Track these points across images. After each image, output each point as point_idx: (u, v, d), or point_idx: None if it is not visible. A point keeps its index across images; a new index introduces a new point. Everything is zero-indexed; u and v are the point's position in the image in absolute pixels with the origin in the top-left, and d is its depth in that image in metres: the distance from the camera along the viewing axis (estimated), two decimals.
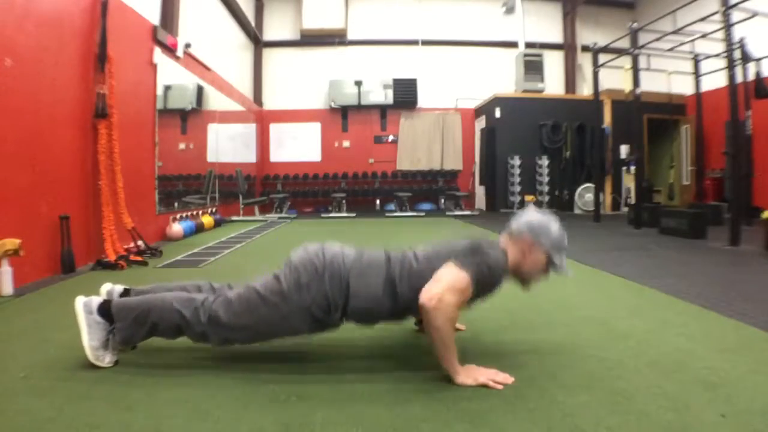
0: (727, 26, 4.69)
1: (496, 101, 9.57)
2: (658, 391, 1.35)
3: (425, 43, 11.03)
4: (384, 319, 1.57)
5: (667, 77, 8.13)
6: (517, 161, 9.44)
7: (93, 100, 3.72)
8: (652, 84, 8.21)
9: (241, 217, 8.01)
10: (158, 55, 5.02)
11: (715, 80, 7.08)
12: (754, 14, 5.43)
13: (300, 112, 10.90)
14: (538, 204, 9.43)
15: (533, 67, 9.88)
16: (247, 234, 5.81)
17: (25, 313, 2.26)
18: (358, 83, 10.66)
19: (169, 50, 5.36)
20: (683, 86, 8.45)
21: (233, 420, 1.20)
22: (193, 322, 1.49)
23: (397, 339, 1.83)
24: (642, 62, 6.54)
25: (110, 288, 1.72)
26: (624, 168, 8.82)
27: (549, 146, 9.49)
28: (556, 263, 1.54)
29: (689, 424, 1.16)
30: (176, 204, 5.78)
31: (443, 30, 11.04)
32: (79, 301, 1.52)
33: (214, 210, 6.85)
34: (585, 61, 10.55)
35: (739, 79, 5.32)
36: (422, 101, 10.83)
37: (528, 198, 9.35)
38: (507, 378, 1.42)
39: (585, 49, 10.35)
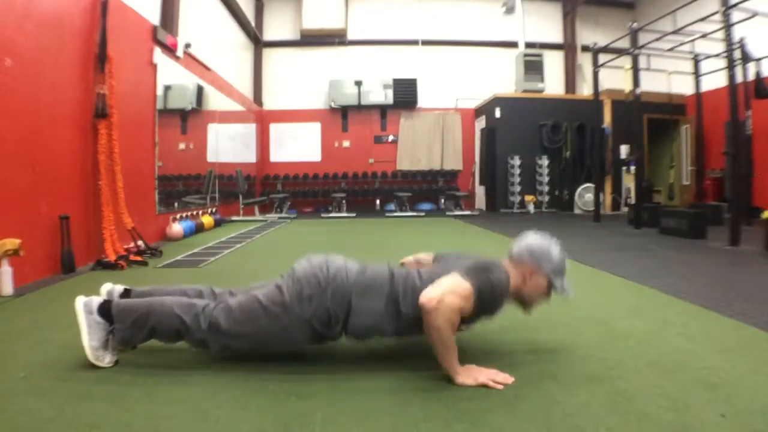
0: (727, 26, 4.69)
1: (496, 101, 9.57)
2: (658, 391, 1.35)
3: (425, 43, 11.03)
4: (387, 336, 1.56)
5: (667, 77, 8.14)
6: (517, 161, 9.44)
7: (93, 100, 3.72)
8: (652, 84, 8.21)
9: (241, 217, 8.01)
10: (158, 55, 5.02)
11: (715, 80, 7.08)
12: (754, 14, 5.43)
13: (300, 112, 10.90)
14: (538, 204, 9.44)
15: (533, 67, 9.88)
16: (247, 234, 5.81)
17: (25, 313, 2.26)
18: (358, 83, 10.67)
19: (169, 50, 5.36)
20: (683, 86, 8.46)
21: (233, 420, 1.20)
22: (194, 328, 1.49)
23: (396, 339, 1.83)
24: (642, 62, 6.54)
25: (110, 288, 1.72)
26: (624, 168, 8.83)
27: (549, 146, 9.50)
28: (558, 287, 1.56)
29: (689, 424, 1.16)
30: (176, 204, 5.78)
31: (443, 30, 11.05)
32: (80, 301, 1.52)
33: (214, 210, 6.85)
34: (585, 61, 10.55)
35: (739, 79, 5.32)
36: (422, 101, 10.83)
37: (528, 198, 9.35)
38: (507, 378, 1.42)
39: (585, 49, 10.35)
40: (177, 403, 1.29)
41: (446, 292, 1.37)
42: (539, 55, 10.03)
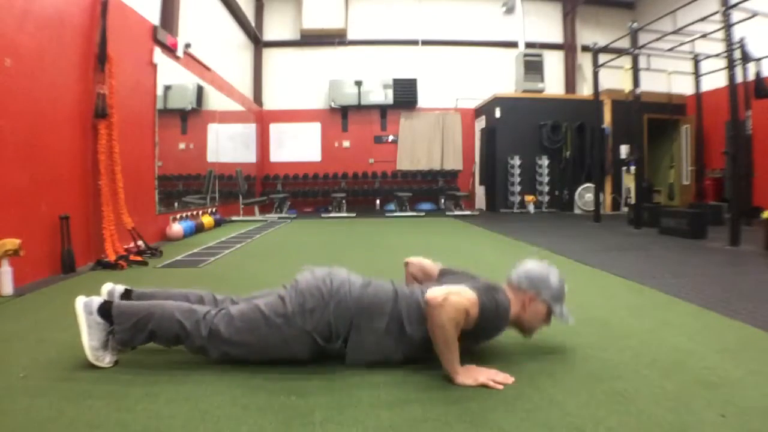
0: (727, 26, 4.70)
1: (496, 101, 9.57)
2: (658, 391, 1.35)
3: (425, 43, 11.03)
4: (394, 361, 1.52)
5: (667, 77, 8.13)
6: (517, 161, 9.44)
7: (93, 100, 3.72)
8: (652, 84, 8.20)
9: (241, 217, 8.01)
10: (158, 55, 5.02)
11: (715, 80, 7.08)
12: (754, 14, 5.43)
13: (300, 112, 10.90)
14: (538, 204, 9.44)
15: (533, 67, 9.89)
16: (247, 234, 5.81)
17: (25, 313, 2.26)
18: (358, 83, 10.67)
19: (169, 50, 5.36)
20: (683, 86, 8.45)
21: (233, 420, 1.20)
22: (194, 335, 1.49)
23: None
24: (642, 62, 6.54)
25: (111, 288, 1.72)
26: (624, 168, 8.82)
27: (549, 146, 9.50)
28: (557, 313, 1.59)
29: (689, 424, 1.16)
30: (176, 204, 5.79)
31: (443, 30, 11.05)
32: (80, 302, 1.51)
33: (214, 210, 6.85)
34: (585, 61, 10.55)
35: (739, 79, 5.32)
36: (422, 101, 10.83)
37: (528, 198, 9.36)
38: (507, 378, 1.42)
39: (585, 49, 10.35)
40: (177, 403, 1.28)
41: (452, 292, 1.39)
42: (539, 55, 10.03)
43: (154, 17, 5.31)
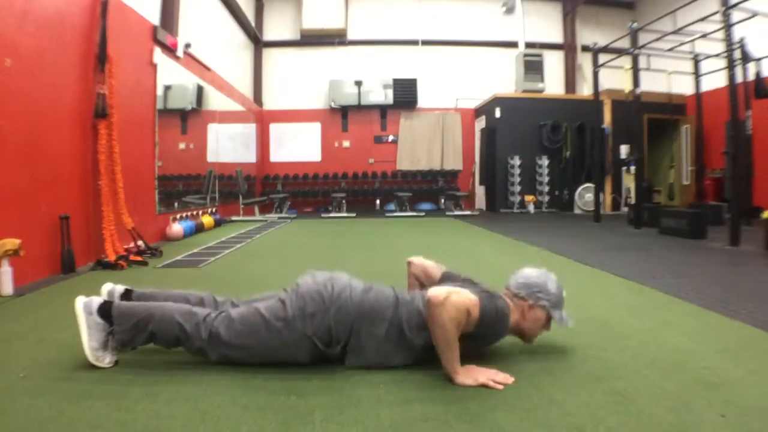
0: (727, 26, 4.70)
1: (496, 101, 9.57)
2: (658, 391, 1.35)
3: (425, 43, 11.03)
4: (391, 363, 1.52)
5: (667, 77, 8.13)
6: (517, 161, 9.44)
7: (93, 100, 3.72)
8: (652, 84, 8.21)
9: (241, 217, 8.01)
10: (158, 55, 5.02)
11: (715, 80, 7.08)
12: (754, 14, 5.43)
13: (300, 112, 10.90)
14: (538, 204, 9.44)
15: (533, 67, 9.89)
16: (247, 234, 5.81)
17: (25, 313, 2.26)
18: (358, 83, 10.67)
19: (169, 50, 5.36)
20: (683, 86, 8.45)
21: (233, 420, 1.20)
22: (194, 337, 1.49)
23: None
24: (642, 62, 6.54)
25: (111, 288, 1.72)
26: (624, 168, 8.82)
27: (549, 146, 9.50)
28: (557, 318, 1.60)
29: (689, 424, 1.16)
30: (176, 204, 5.79)
31: (443, 30, 11.05)
32: (80, 302, 1.51)
33: (214, 210, 6.85)
34: (585, 61, 10.55)
35: (739, 79, 5.32)
36: (422, 101, 10.83)
37: (528, 198, 9.35)
38: (507, 378, 1.42)
39: (585, 49, 10.35)
40: (177, 403, 1.28)
41: (454, 291, 1.39)
42: (539, 55, 10.03)
43: (154, 17, 5.31)
